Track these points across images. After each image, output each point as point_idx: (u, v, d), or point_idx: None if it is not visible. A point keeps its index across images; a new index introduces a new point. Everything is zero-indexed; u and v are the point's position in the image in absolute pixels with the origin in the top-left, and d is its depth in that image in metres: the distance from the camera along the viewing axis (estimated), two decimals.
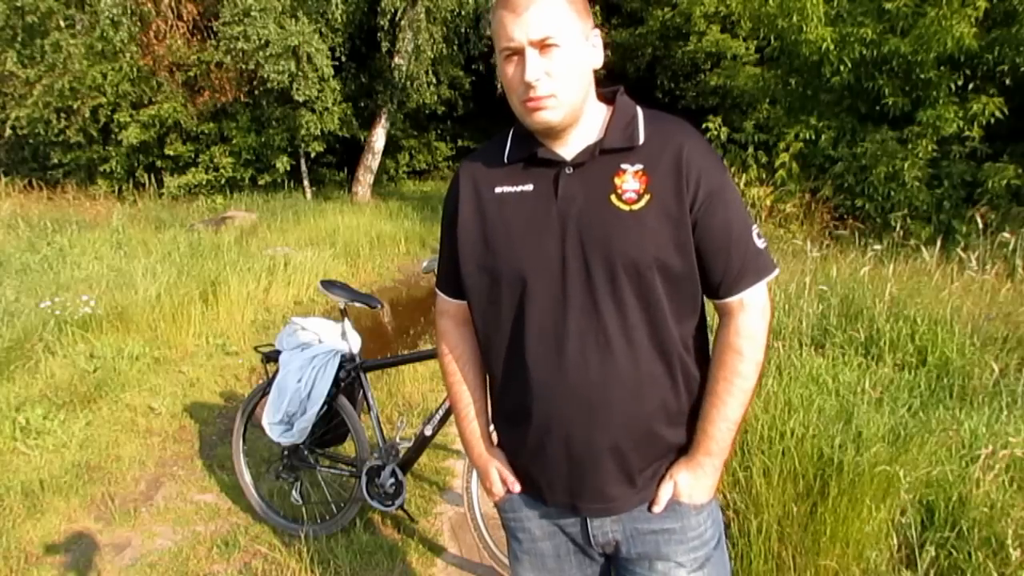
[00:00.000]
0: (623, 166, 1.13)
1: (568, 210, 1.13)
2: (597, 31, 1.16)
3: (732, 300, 1.17)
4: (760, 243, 1.18)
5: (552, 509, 1.27)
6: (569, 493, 1.21)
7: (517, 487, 1.29)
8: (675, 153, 1.12)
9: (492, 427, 1.37)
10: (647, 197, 1.11)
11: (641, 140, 1.14)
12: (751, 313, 1.17)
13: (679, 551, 1.22)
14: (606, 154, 1.14)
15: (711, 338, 1.26)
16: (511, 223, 1.17)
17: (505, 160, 1.21)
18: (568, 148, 1.17)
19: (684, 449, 1.22)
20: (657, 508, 1.20)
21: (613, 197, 1.12)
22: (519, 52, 1.09)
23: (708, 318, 1.25)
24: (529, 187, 1.17)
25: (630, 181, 1.12)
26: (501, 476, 1.30)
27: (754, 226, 1.18)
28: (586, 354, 1.12)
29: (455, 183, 1.26)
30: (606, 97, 1.22)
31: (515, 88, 1.11)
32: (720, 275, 1.15)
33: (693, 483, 1.20)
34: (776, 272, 1.20)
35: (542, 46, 1.07)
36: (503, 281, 1.17)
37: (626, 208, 1.11)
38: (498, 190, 1.19)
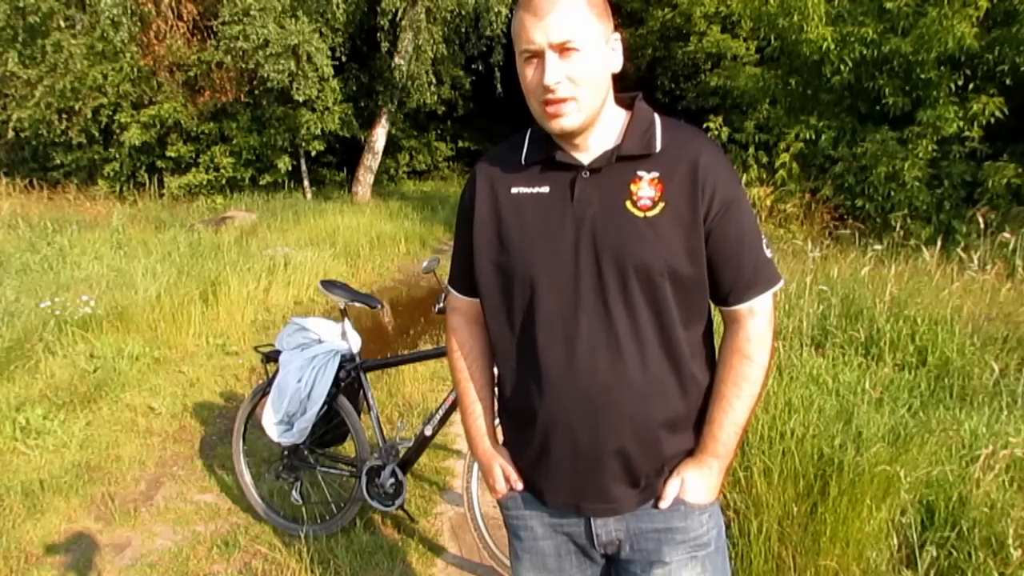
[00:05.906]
0: (639, 173, 1.14)
1: (583, 214, 1.14)
2: (617, 35, 1.16)
3: (742, 307, 1.19)
4: (769, 253, 1.20)
5: (555, 509, 1.27)
6: (573, 493, 1.22)
7: (520, 485, 1.30)
8: (692, 162, 1.13)
9: (497, 424, 1.37)
10: (662, 205, 1.12)
11: (658, 148, 1.15)
12: (760, 319, 1.19)
13: (680, 551, 1.22)
14: (623, 160, 1.15)
15: (717, 345, 1.27)
16: (526, 224, 1.18)
17: (522, 162, 1.22)
18: (585, 152, 1.17)
19: (688, 453, 1.24)
20: (664, 503, 1.21)
21: (628, 203, 1.13)
22: (539, 55, 1.09)
23: (715, 325, 1.26)
24: (545, 189, 1.18)
25: (646, 188, 1.13)
26: (505, 473, 1.31)
27: (763, 237, 1.20)
28: (596, 356, 1.13)
29: (472, 181, 1.27)
30: (624, 102, 1.22)
31: (534, 91, 1.11)
32: (731, 283, 1.17)
33: (699, 482, 1.21)
34: (782, 283, 1.22)
35: (562, 49, 1.07)
36: (515, 280, 1.19)
37: (641, 215, 1.12)
38: (514, 191, 1.20)
